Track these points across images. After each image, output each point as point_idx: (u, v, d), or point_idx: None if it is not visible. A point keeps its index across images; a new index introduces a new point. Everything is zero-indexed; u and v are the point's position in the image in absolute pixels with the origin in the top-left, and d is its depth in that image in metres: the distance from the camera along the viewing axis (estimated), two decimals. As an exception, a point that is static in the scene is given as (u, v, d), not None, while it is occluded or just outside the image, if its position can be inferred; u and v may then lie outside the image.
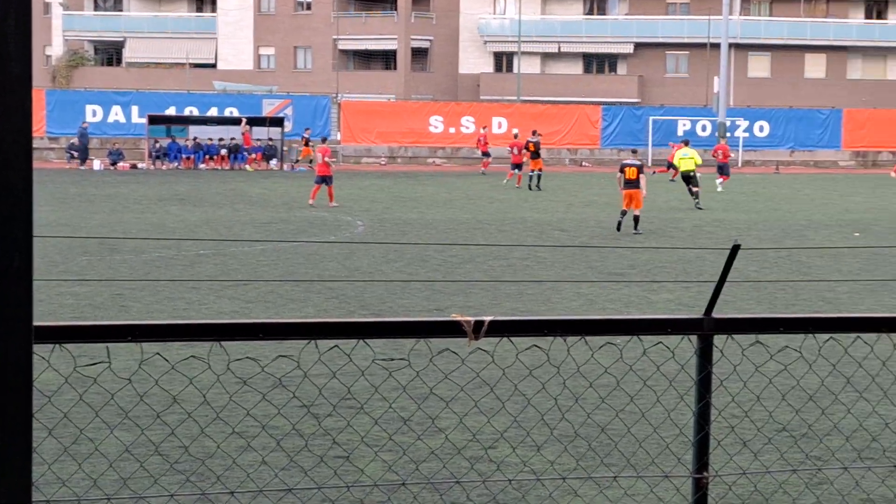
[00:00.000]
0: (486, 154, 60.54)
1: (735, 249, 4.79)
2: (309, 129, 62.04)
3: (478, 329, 4.69)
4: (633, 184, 30.55)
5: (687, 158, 40.28)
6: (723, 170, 48.74)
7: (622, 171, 31.26)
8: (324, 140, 44.17)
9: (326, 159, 38.47)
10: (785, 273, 22.65)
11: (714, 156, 50.26)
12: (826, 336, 5.21)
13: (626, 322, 4.92)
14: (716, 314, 4.95)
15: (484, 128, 64.98)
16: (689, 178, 39.62)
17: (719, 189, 46.75)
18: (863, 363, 7.81)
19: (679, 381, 9.73)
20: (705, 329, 4.86)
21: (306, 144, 59.35)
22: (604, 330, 4.89)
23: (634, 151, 35.07)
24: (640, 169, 31.09)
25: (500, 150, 61.29)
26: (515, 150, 50.81)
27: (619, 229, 30.40)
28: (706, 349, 4.88)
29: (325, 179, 38.03)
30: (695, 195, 38.74)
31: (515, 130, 59.73)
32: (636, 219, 30.29)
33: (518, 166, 49.82)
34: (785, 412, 10.62)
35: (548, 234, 30.08)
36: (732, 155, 54.69)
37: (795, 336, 5.18)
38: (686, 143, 43.13)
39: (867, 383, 10.58)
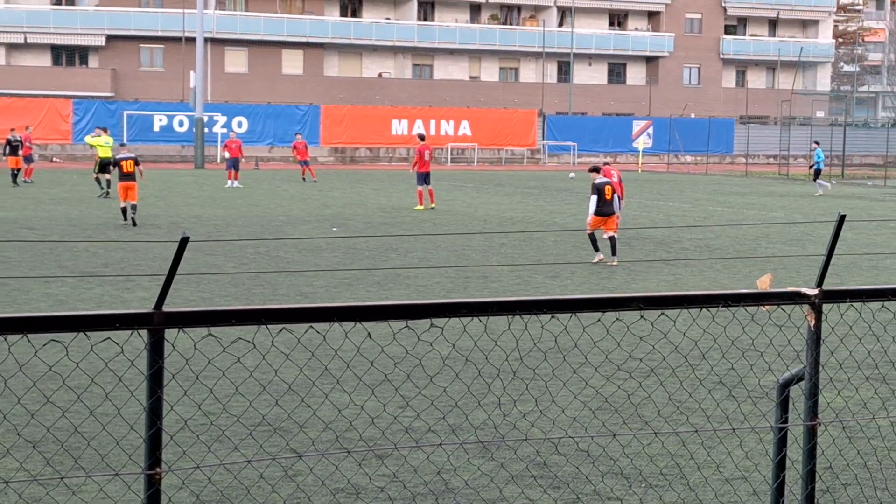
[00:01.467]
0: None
1: (184, 242, 4.73)
2: None
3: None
4: (129, 176, 31.41)
5: (106, 146, 43.00)
6: (236, 165, 49.60)
7: (118, 165, 32.07)
8: None
9: None
10: (263, 269, 22.90)
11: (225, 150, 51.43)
12: (304, 327, 5.26)
13: (72, 318, 4.71)
14: (168, 308, 4.88)
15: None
16: (105, 167, 42.10)
17: (229, 185, 47.90)
18: (339, 352, 8.01)
19: (128, 377, 9.57)
20: (156, 323, 4.78)
21: None
22: (49, 327, 4.66)
23: (123, 145, 35.76)
24: (136, 161, 31.99)
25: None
26: None
27: (129, 221, 31.25)
28: (157, 344, 4.79)
29: None
30: (107, 183, 41.42)
31: None
32: (134, 208, 31.34)
33: None
34: (264, 404, 10.73)
35: (14, 232, 28.92)
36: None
37: (268, 329, 5.19)
38: (105, 130, 45.81)
39: (342, 373, 10.90)
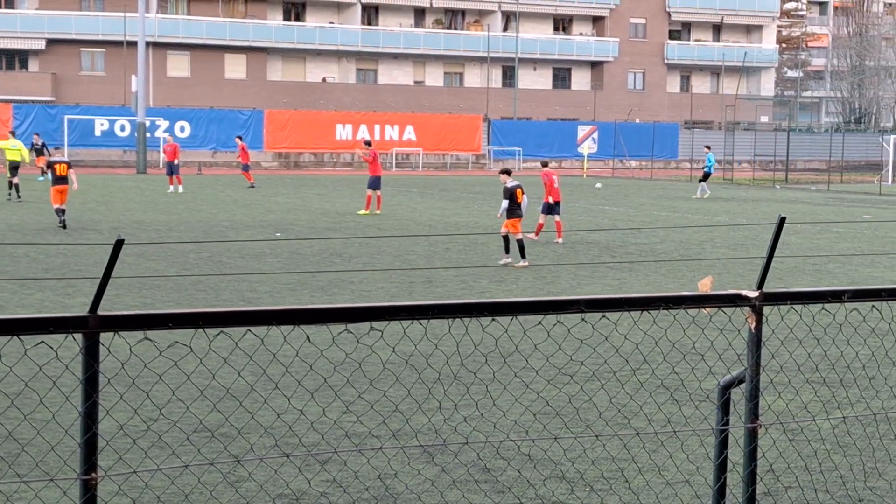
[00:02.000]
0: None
1: (119, 245, 4.67)
2: None
3: None
4: (63, 180, 31.65)
5: (14, 150, 43.70)
6: (174, 169, 49.27)
7: (51, 167, 32.17)
8: None
9: None
10: (206, 273, 22.74)
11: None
12: (242, 331, 5.20)
13: (6, 322, 4.64)
14: (102, 311, 4.80)
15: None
16: (14, 170, 42.70)
17: (172, 190, 47.63)
18: (278, 357, 7.95)
19: (64, 382, 9.46)
20: (91, 326, 4.70)
21: None
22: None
23: (58, 148, 36.46)
24: (69, 165, 32.22)
25: None
26: None
27: (61, 224, 31.27)
28: (92, 347, 4.72)
29: None
30: (17, 188, 42.03)
31: None
32: (63, 211, 31.47)
33: None
34: (202, 409, 10.63)
35: (-39, 237, 28.63)
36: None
37: (205, 332, 5.13)
38: (13, 134, 46.94)
39: (280, 376, 10.82)
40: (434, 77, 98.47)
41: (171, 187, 49.06)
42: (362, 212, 38.38)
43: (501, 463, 9.65)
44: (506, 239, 25.06)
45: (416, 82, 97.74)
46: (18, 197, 41.77)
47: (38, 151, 54.07)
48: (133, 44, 76.06)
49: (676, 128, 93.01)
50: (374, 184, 38.66)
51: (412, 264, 24.96)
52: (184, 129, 75.44)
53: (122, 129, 72.87)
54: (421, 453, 9.93)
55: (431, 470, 9.50)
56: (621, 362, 12.30)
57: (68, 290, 19.62)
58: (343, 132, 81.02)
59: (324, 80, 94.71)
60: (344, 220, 36.35)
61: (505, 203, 25.08)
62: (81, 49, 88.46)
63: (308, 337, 5.71)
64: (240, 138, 58.64)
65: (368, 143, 41.63)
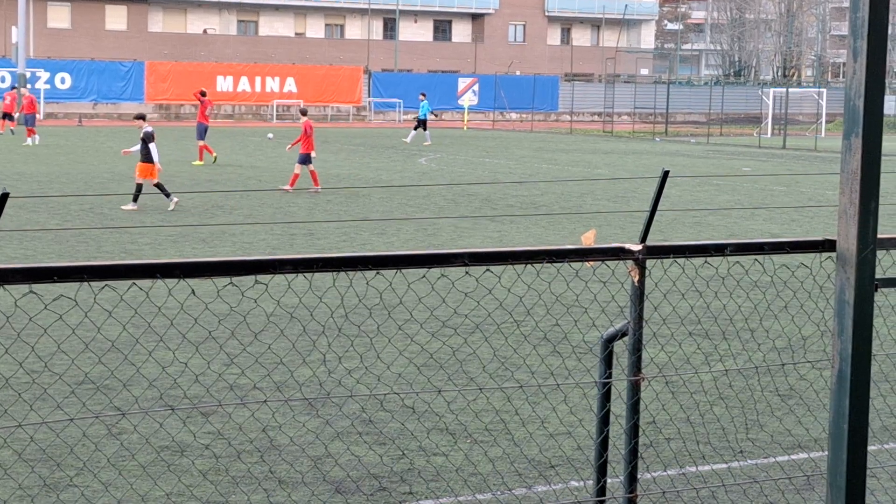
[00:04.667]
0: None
1: (4, 198, 4.65)
2: None
3: None
4: None
5: None
6: (29, 122, 48.08)
7: None
8: None
9: None
10: (88, 225, 22.51)
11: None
12: (128, 283, 5.21)
13: None
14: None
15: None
16: None
17: (29, 143, 46.29)
18: (162, 310, 7.94)
19: None
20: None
21: None
22: None
23: None
24: None
25: None
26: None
27: None
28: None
29: None
30: None
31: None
32: None
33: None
34: (87, 362, 10.59)
35: None
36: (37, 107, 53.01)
37: (90, 286, 5.13)
38: None
39: (166, 330, 10.80)
40: (315, 29, 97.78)
41: (29, 139, 47.79)
42: (197, 162, 39.04)
43: (385, 415, 9.77)
44: (161, 186, 25.80)
45: (297, 34, 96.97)
46: None
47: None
48: (9, -7, 74.45)
49: (556, 80, 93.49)
50: (203, 133, 39.51)
51: (293, 216, 24.92)
52: (64, 80, 74.10)
53: (3, 80, 71.27)
54: (304, 405, 10.01)
55: (315, 422, 9.59)
56: (504, 315, 12.47)
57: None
58: (224, 84, 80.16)
59: (205, 31, 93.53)
60: (225, 171, 36.09)
61: (154, 147, 25.73)
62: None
63: (193, 290, 5.73)
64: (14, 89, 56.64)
65: (204, 94, 41.73)
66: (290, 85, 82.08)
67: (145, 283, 5.17)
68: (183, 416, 9.50)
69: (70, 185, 30.10)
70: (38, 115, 49.51)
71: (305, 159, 29.82)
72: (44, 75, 72.24)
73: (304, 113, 31.56)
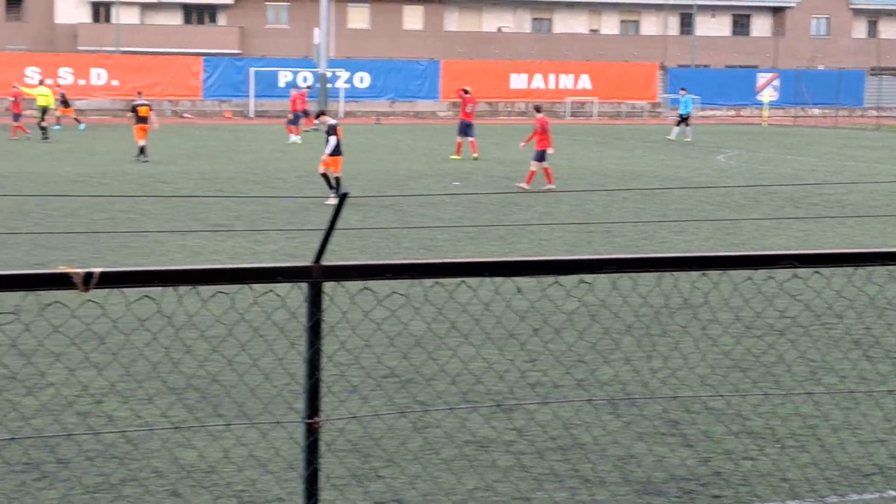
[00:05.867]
0: (17, 116, 49.00)
1: (343, 198, 4.76)
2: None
3: (87, 281, 4.56)
4: (144, 120, 36.89)
5: (44, 95, 48.48)
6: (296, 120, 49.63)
7: (134, 110, 37.26)
8: None
9: None
10: (388, 222, 23.04)
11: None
12: (431, 281, 5.27)
13: (236, 271, 4.82)
14: (323, 262, 4.94)
15: (15, 86, 52.58)
16: (44, 112, 47.67)
17: (294, 140, 47.77)
18: (466, 307, 8.02)
19: (289, 329, 9.76)
20: (314, 276, 4.83)
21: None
22: (215, 279, 4.78)
23: (140, 94, 40.44)
24: (150, 108, 37.44)
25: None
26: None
27: (142, 156, 36.55)
28: (316, 296, 4.86)
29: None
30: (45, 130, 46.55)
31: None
32: (143, 149, 36.70)
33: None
34: (393, 357, 10.81)
35: (151, 186, 29.49)
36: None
37: (402, 282, 5.22)
38: (42, 81, 51.01)
39: (470, 327, 10.91)
40: (610, 25, 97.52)
41: (293, 137, 49.13)
42: (455, 157, 40.18)
43: (688, 417, 9.60)
44: (327, 177, 26.44)
45: (591, 31, 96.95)
46: (46, 138, 46.26)
47: (65, 103, 54.74)
48: (315, -4, 77.13)
49: (862, 75, 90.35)
50: (464, 130, 40.58)
51: (590, 213, 24.87)
52: (363, 79, 76.14)
53: (305, 80, 73.80)
54: (606, 405, 9.93)
55: (616, 422, 9.50)
56: (812, 318, 12.08)
57: (257, 237, 20.12)
58: (518, 81, 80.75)
59: (499, 29, 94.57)
60: (521, 168, 36.36)
61: (333, 140, 26.42)
62: (266, 3, 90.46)
63: (519, 288, 5.75)
64: (295, 88, 57.87)
65: (467, 91, 42.43)
66: (585, 82, 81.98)
67: (448, 281, 5.23)
68: (486, 413, 9.57)
69: (369, 184, 30.87)
70: (305, 113, 50.97)
71: (541, 156, 29.65)
72: (343, 75, 74.39)
73: (538, 109, 31.47)
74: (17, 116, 48.67)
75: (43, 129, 47.07)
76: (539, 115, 30.46)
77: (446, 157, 40.28)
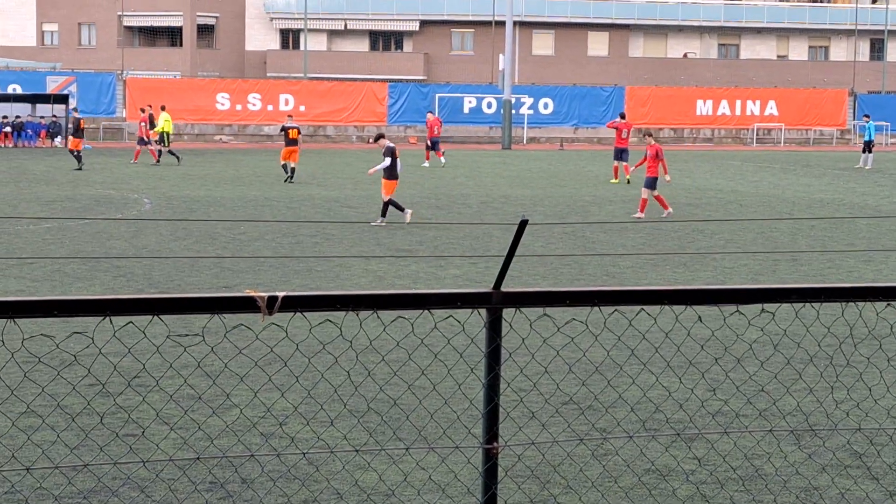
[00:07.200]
0: (144, 141, 49.33)
1: (523, 225, 4.84)
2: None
3: (271, 304, 4.69)
4: (293, 142, 38.66)
5: (168, 121, 50.28)
6: (435, 146, 50.04)
7: (285, 131, 39.01)
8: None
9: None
10: (569, 248, 23.08)
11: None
12: (611, 309, 5.32)
13: (417, 296, 4.93)
14: (504, 288, 5.02)
15: (143, 110, 52.26)
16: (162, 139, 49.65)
17: (427, 165, 48.59)
18: (646, 335, 8.03)
19: (468, 354, 9.89)
20: (494, 302, 4.91)
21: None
22: (395, 304, 4.90)
23: (290, 117, 41.34)
24: (299, 131, 39.21)
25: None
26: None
27: (290, 175, 38.60)
28: (495, 322, 4.94)
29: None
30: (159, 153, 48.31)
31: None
32: (293, 169, 38.80)
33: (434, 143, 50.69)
34: (571, 384, 10.85)
35: (336, 211, 30.04)
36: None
37: (582, 309, 5.28)
38: (163, 108, 51.57)
39: (650, 355, 10.89)
40: (798, 51, 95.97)
41: (427, 162, 49.45)
42: (614, 180, 41.41)
43: (872, 449, 9.42)
44: (394, 202, 26.57)
45: (778, 56, 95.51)
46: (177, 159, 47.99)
47: (152, 125, 52.51)
48: (501, 23, 77.60)
49: None
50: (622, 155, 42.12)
51: (775, 242, 24.52)
52: (547, 105, 76.29)
53: (489, 106, 74.30)
54: (788, 436, 9.81)
55: (799, 454, 9.38)
56: None
57: (440, 263, 20.38)
58: (703, 108, 80.00)
59: (685, 55, 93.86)
60: (705, 195, 36.00)
61: (387, 162, 26.54)
62: (452, 30, 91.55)
63: (700, 317, 5.78)
64: (431, 113, 57.15)
65: (622, 116, 44.16)
66: (772, 108, 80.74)
67: (627, 308, 5.26)
68: (665, 442, 9.55)
69: (552, 209, 30.94)
70: (436, 139, 51.27)
71: (652, 183, 29.17)
72: (527, 101, 74.64)
73: (649, 135, 31.07)
74: (146, 141, 48.61)
75: (172, 153, 48.39)
76: (651, 142, 30.17)
77: (627, 183, 40.06)
